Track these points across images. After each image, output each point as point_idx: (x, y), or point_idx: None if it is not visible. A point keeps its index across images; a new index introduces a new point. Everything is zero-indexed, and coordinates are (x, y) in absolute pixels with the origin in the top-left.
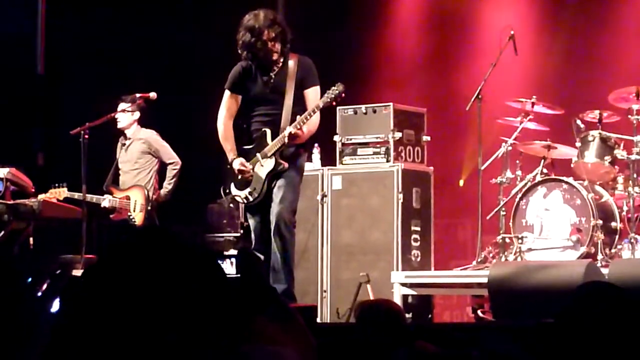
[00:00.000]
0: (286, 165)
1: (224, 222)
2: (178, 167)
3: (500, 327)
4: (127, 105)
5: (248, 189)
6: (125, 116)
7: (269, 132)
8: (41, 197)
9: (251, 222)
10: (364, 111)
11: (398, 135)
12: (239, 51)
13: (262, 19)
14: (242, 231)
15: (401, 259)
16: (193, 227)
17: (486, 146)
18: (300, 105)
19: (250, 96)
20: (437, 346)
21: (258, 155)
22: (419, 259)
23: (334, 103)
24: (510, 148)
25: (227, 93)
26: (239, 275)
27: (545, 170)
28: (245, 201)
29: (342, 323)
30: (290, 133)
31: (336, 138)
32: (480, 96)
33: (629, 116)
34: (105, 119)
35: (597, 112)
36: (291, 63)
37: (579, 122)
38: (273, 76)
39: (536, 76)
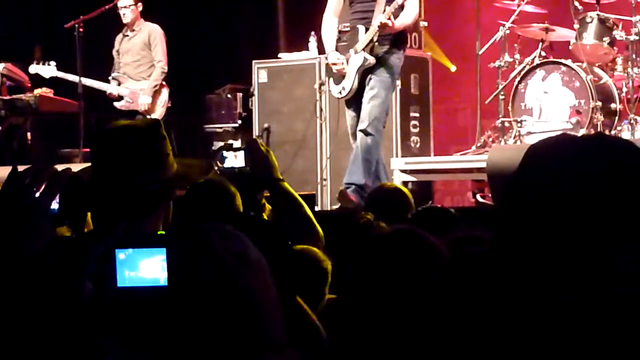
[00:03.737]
0: (372, 61)
1: (222, 113)
2: (165, 69)
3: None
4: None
5: (342, 84)
6: (129, 10)
7: (361, 28)
8: (38, 91)
9: (347, 115)
10: None
11: None
12: None
13: None
14: (240, 121)
15: (400, 146)
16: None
17: (483, 30)
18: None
19: None
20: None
21: (350, 50)
22: (418, 145)
23: None
24: (507, 31)
25: None
26: (247, 166)
27: (543, 53)
28: (339, 95)
29: (341, 210)
30: (380, 22)
31: None
32: None
33: None
34: (99, 12)
35: None
36: None
37: (576, 3)
38: None
39: None
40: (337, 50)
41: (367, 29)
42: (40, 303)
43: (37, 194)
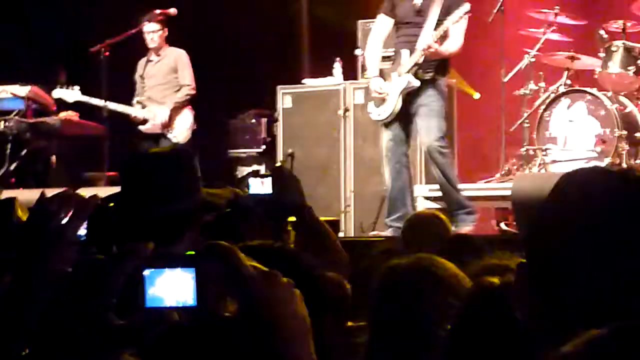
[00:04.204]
0: (417, 84)
1: (246, 138)
2: (193, 92)
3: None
4: (153, 24)
5: (382, 107)
6: (157, 34)
7: (405, 52)
8: (62, 115)
9: (384, 137)
10: None
11: None
12: None
13: None
14: (264, 147)
15: (424, 172)
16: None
17: (509, 58)
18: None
19: (397, 19)
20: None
21: (393, 74)
22: None
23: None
24: (533, 60)
25: (380, 16)
26: (272, 193)
27: (568, 82)
28: (379, 118)
29: (366, 237)
30: (426, 45)
31: (357, 52)
32: (502, 7)
33: None
34: (125, 36)
35: (620, 22)
36: None
37: (602, 32)
38: (421, 0)
39: None
40: (380, 74)
41: (411, 53)
42: (67, 322)
43: (64, 221)
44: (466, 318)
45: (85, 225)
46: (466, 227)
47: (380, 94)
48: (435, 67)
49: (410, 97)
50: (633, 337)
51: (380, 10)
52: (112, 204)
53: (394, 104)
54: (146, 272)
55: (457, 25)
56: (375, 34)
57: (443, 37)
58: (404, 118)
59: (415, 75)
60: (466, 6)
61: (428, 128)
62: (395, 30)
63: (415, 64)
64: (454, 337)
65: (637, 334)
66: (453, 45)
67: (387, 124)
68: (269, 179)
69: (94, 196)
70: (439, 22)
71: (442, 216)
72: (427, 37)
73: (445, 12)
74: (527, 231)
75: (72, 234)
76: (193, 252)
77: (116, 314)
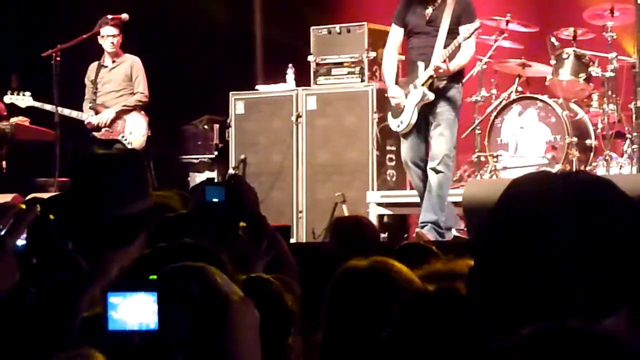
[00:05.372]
0: (431, 96)
1: (199, 143)
2: (145, 100)
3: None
4: (112, 28)
5: (400, 118)
6: (115, 39)
7: (421, 64)
8: (14, 120)
9: (403, 147)
10: (338, 31)
11: (372, 54)
12: None
13: None
14: (216, 153)
15: (377, 179)
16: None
17: None
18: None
19: (408, 29)
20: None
21: (410, 86)
22: (394, 179)
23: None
24: (485, 66)
25: (392, 25)
26: (226, 200)
27: (520, 89)
28: (397, 129)
29: (317, 242)
30: (434, 66)
31: (310, 58)
32: None
33: (604, 33)
34: (78, 41)
35: (571, 29)
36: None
37: (553, 39)
38: (432, 10)
39: None
40: (397, 83)
41: (426, 66)
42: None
43: (2, 232)
44: (403, 324)
45: (24, 235)
46: (428, 235)
47: (397, 100)
48: (450, 75)
49: (426, 105)
50: (565, 336)
51: (392, 20)
52: (52, 215)
53: (410, 115)
54: (109, 295)
55: (468, 40)
56: (390, 43)
57: (457, 48)
58: (421, 128)
59: (431, 86)
60: (477, 23)
61: (438, 138)
62: (407, 39)
63: (430, 77)
64: (390, 343)
65: (569, 333)
66: (464, 58)
67: (404, 135)
68: (223, 186)
69: (34, 205)
70: (450, 32)
71: (367, 219)
72: (438, 55)
73: (456, 22)
74: (476, 235)
75: (10, 245)
76: (155, 277)
77: (80, 335)
